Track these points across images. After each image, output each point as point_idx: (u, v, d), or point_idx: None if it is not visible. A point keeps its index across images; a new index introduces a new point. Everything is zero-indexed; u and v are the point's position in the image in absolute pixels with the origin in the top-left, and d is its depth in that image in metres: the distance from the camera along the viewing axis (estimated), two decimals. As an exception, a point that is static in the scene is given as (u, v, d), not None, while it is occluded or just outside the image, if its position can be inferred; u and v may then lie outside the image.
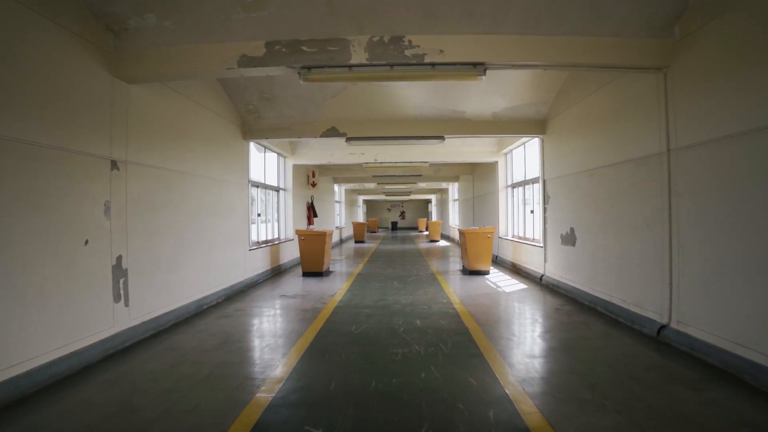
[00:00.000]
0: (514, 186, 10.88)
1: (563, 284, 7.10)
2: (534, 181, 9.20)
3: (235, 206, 7.58)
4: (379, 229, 36.45)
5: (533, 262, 8.68)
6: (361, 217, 31.85)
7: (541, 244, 8.35)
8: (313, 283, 8.33)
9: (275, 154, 10.85)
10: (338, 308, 6.12)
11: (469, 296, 6.88)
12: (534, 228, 9.33)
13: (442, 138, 7.90)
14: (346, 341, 4.52)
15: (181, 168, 5.74)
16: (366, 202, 37.95)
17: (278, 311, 6.10)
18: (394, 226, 37.91)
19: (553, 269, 7.64)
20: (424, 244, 19.33)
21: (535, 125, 7.92)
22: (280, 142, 10.30)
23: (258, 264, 8.72)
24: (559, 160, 7.37)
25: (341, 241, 21.05)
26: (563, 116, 7.09)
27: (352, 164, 13.42)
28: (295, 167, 11.90)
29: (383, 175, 15.89)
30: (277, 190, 10.92)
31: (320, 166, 14.90)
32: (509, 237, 10.90)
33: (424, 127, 7.88)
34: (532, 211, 9.38)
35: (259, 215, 9.37)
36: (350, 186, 22.63)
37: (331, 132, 7.83)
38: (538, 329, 5.00)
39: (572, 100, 6.66)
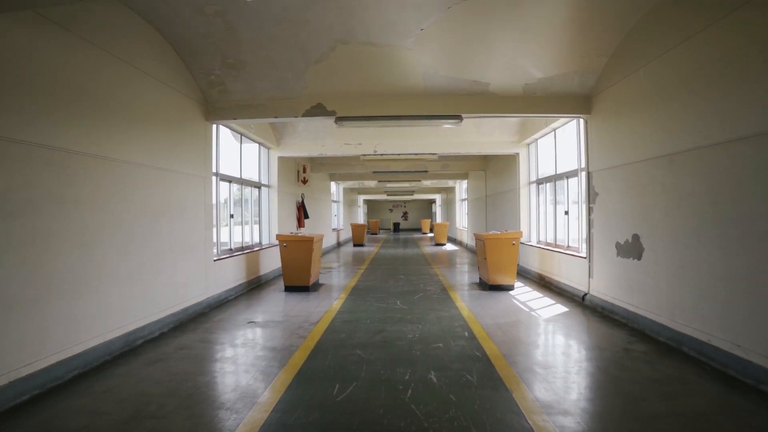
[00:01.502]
0: (540, 182, 9.14)
1: (620, 309, 5.38)
2: (570, 174, 7.47)
3: (192, 205, 5.89)
4: (381, 231, 34.75)
5: (571, 276, 6.94)
6: (361, 218, 30.17)
7: (583, 254, 6.62)
8: (295, 302, 6.62)
9: (256, 145, 9.16)
10: (320, 347, 4.41)
11: (498, 326, 5.16)
12: (569, 233, 7.60)
13: (459, 118, 6.18)
14: (320, 423, 2.81)
15: (97, 151, 4.04)
16: (366, 202, 36.27)
17: (237, 351, 4.40)
18: (396, 228, 36.22)
19: (602, 288, 5.91)
20: (429, 248, 17.62)
21: (577, 102, 6.19)
22: (259, 128, 8.60)
23: (228, 277, 7.02)
24: (613, 146, 5.65)
25: (338, 245, 19.36)
26: (620, 87, 5.36)
27: (349, 157, 11.77)
28: (282, 160, 10.21)
29: (384, 171, 14.19)
30: (258, 186, 9.23)
31: (312, 160, 13.21)
32: (534, 243, 9.16)
33: (436, 104, 6.16)
34: (566, 212, 7.65)
35: (232, 216, 7.68)
36: (349, 184, 20.95)
37: (317, 110, 6.12)
38: (626, 396, 3.26)
39: (637, 61, 4.93)
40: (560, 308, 6.10)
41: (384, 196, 31.06)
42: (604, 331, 4.92)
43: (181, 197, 5.62)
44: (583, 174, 6.68)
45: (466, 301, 6.58)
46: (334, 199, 19.61)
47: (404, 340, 4.59)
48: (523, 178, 9.69)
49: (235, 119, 6.27)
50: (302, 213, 11.58)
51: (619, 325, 5.13)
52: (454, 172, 15.39)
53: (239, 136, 8.12)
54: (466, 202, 18.27)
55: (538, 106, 6.24)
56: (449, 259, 13.21)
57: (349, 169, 14.11)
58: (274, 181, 9.73)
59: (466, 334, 4.82)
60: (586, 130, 6.38)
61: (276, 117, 6.24)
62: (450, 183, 20.93)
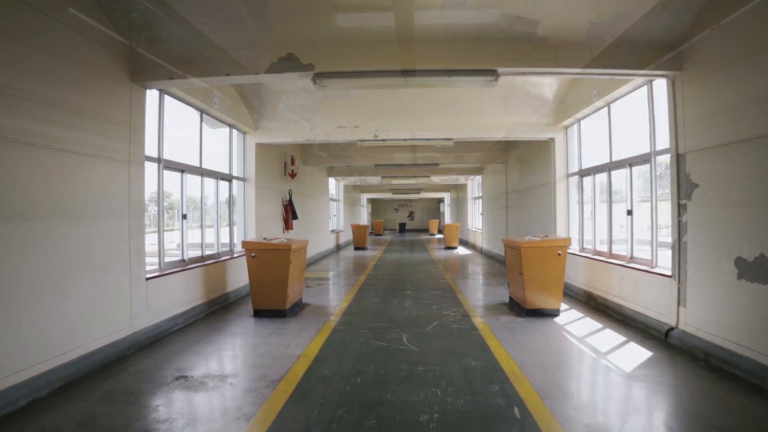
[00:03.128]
0: (584, 173, 7.21)
1: (749, 362, 3.46)
2: (636, 161, 5.56)
3: (107, 201, 4.06)
4: (386, 231, 32.87)
5: (644, 300, 5.02)
6: (364, 218, 28.29)
7: (666, 271, 4.72)
8: (262, 337, 4.77)
9: (227, 128, 7.33)
10: (269, 444, 2.55)
11: (562, 390, 3.26)
12: (632, 239, 5.68)
13: (492, 75, 4.28)
14: None
15: None
16: (370, 201, 34.42)
17: (125, 450, 2.55)
18: (402, 228, 34.32)
19: (706, 323, 3.99)
20: (439, 252, 15.71)
21: (662, 53, 4.27)
22: (232, 106, 6.76)
23: (173, 299, 5.18)
24: (726, 112, 3.73)
25: (338, 248, 17.50)
26: (741, 21, 3.44)
27: (345, 144, 9.89)
28: (263, 149, 8.37)
29: (388, 164, 12.33)
30: (228, 179, 7.39)
31: (304, 150, 11.34)
32: (577, 251, 7.23)
33: (461, 54, 4.27)
34: (629, 212, 5.72)
35: (185, 217, 5.83)
36: (350, 181, 19.07)
37: (287, 64, 4.26)
38: None
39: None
40: (638, 351, 4.19)
41: (389, 195, 29.23)
42: (740, 403, 3.01)
43: (89, 190, 3.80)
44: (661, 159, 4.76)
45: (500, 337, 4.68)
46: (333, 197, 17.77)
47: (414, 429, 2.71)
48: (559, 170, 7.76)
49: (171, 79, 4.41)
50: (290, 213, 9.73)
51: (752, 389, 3.22)
52: (468, 166, 13.49)
53: (199, 113, 6.29)
54: (481, 200, 16.33)
55: (607, 58, 4.34)
56: (465, 267, 11.29)
57: (348, 160, 12.26)
58: (251, 173, 7.89)
59: (516, 412, 2.93)
60: (673, 93, 4.45)
61: (229, 74, 4.38)
62: (461, 180, 18.99)
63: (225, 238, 7.35)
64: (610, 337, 4.68)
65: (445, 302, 6.55)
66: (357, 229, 17.74)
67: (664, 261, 4.95)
